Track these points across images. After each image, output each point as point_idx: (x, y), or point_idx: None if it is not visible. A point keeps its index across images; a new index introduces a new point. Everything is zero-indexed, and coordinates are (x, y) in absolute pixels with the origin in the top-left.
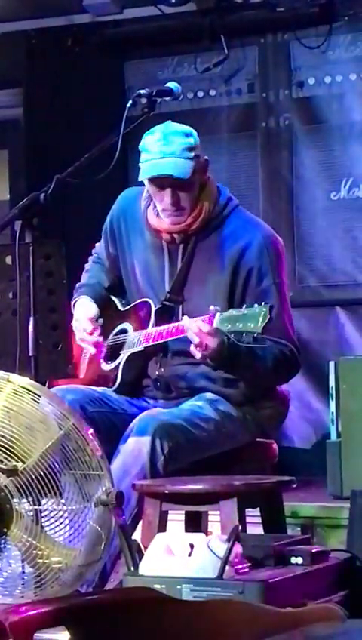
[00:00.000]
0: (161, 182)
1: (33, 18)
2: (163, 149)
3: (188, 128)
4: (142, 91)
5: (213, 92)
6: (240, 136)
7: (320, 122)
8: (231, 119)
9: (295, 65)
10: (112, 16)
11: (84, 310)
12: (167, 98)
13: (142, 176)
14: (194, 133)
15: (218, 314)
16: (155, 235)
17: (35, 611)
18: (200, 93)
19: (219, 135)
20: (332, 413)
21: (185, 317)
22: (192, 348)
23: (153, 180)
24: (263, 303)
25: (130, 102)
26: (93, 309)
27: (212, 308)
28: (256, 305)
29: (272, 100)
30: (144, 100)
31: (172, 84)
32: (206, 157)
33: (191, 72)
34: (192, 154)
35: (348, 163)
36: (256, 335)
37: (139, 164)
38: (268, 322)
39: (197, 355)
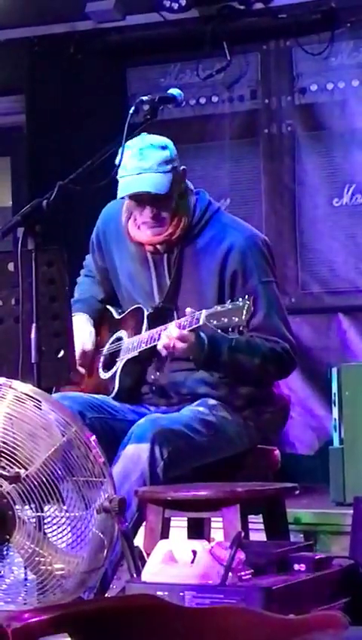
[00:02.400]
0: (139, 198)
1: (36, 25)
2: (139, 164)
3: (163, 140)
4: (144, 98)
5: (215, 99)
6: (243, 143)
7: (323, 129)
8: (234, 126)
9: (297, 71)
10: (115, 23)
11: (78, 339)
12: (170, 105)
13: (121, 194)
14: (170, 144)
15: (203, 311)
16: (139, 247)
17: (38, 618)
18: (203, 100)
19: (222, 142)
20: (335, 419)
21: (172, 323)
22: (159, 346)
23: (132, 197)
24: (246, 296)
25: (133, 108)
26: (88, 337)
27: (188, 310)
28: (240, 299)
29: (274, 107)
30: (146, 107)
31: (174, 91)
32: (183, 166)
33: (194, 78)
34: (169, 167)
35: (350, 169)
36: (241, 329)
37: (118, 178)
38: (260, 319)
39: (163, 352)
